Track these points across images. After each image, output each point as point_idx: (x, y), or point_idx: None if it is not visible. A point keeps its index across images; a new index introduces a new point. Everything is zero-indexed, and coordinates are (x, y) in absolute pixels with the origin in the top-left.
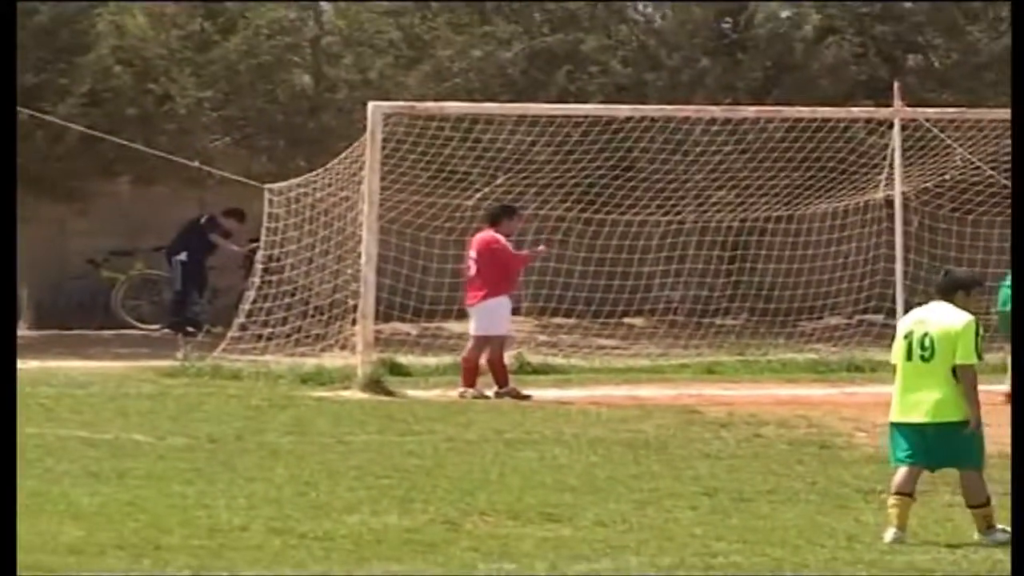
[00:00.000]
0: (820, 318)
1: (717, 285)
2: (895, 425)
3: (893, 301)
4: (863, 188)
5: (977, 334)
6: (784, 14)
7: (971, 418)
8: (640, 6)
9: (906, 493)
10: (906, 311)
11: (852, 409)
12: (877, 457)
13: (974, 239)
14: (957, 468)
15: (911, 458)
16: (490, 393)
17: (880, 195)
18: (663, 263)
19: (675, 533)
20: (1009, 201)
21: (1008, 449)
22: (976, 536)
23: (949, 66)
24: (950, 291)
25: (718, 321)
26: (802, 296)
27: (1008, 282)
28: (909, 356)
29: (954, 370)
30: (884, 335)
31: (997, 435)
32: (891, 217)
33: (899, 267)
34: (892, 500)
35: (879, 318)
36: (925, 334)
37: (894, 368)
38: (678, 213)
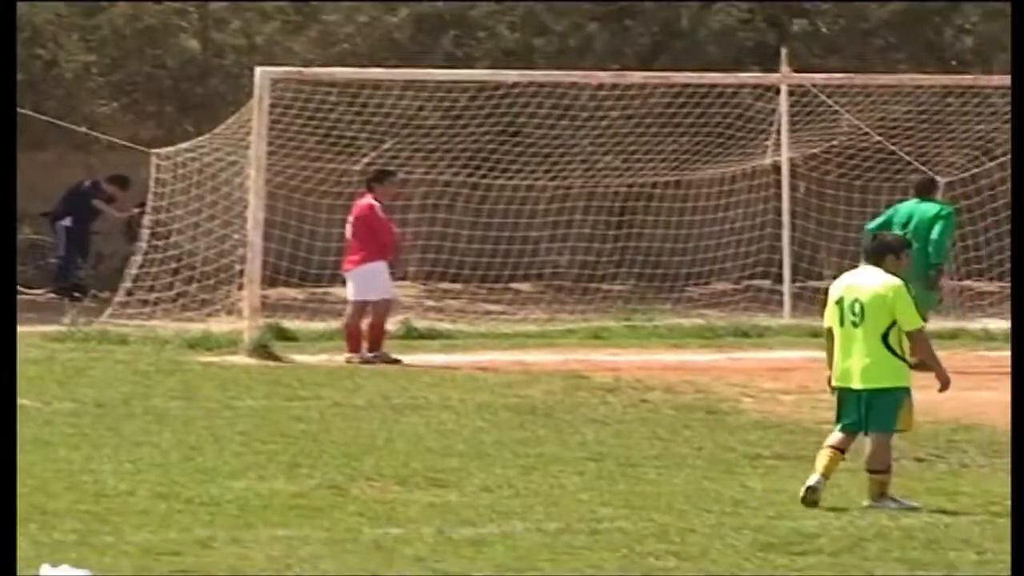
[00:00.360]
0: (707, 283)
1: (604, 250)
2: (836, 390)
3: (780, 267)
4: (750, 154)
5: (912, 297)
6: None
7: (939, 380)
8: None
9: (840, 449)
10: (793, 276)
11: (739, 375)
12: (764, 423)
13: (862, 205)
14: (871, 431)
15: (850, 426)
16: (362, 356)
17: (767, 161)
18: (550, 228)
19: (561, 498)
20: (897, 167)
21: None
22: (864, 502)
23: (836, 32)
24: (880, 255)
25: (605, 286)
26: (689, 261)
27: None
28: (842, 322)
29: (886, 336)
30: (771, 300)
31: None
32: (778, 183)
33: (786, 233)
34: (824, 451)
35: (766, 283)
36: (855, 300)
37: (827, 332)
38: (565, 178)
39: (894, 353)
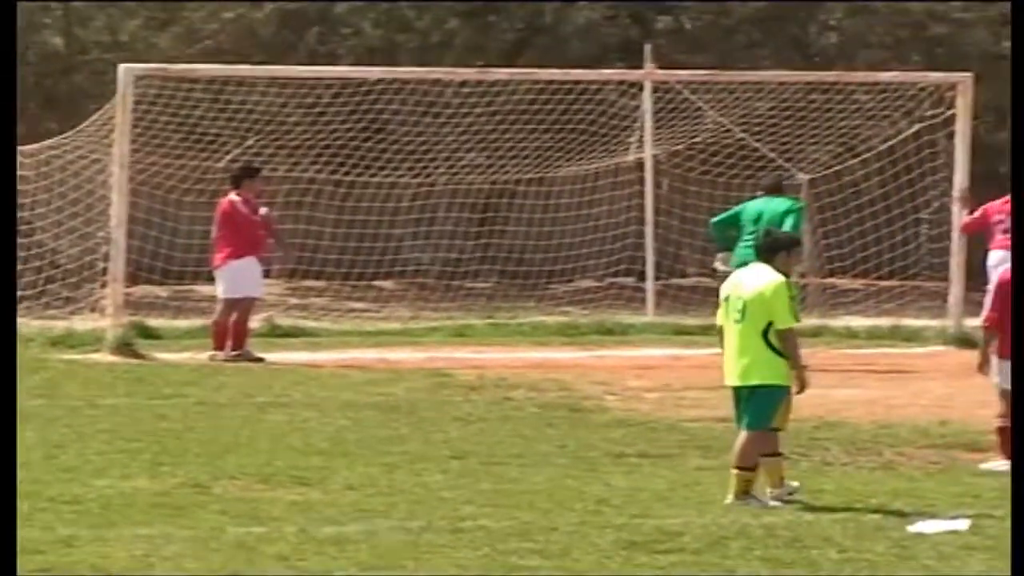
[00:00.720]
0: (571, 281)
1: (467, 247)
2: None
3: (644, 264)
4: (614, 151)
5: (790, 296)
6: None
7: (795, 382)
8: None
9: (771, 454)
10: (657, 274)
11: (602, 372)
12: (627, 420)
13: (725, 202)
14: (744, 427)
15: (736, 421)
16: (225, 355)
17: (631, 158)
18: (413, 225)
19: (424, 496)
20: (760, 164)
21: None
22: (728, 499)
23: (700, 28)
24: (771, 253)
25: (468, 284)
26: (553, 259)
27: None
28: (729, 319)
29: (765, 333)
30: (635, 298)
31: None
32: (642, 180)
33: (649, 230)
34: (761, 459)
35: (630, 281)
36: (739, 297)
37: (719, 330)
38: (429, 175)
39: (774, 350)
